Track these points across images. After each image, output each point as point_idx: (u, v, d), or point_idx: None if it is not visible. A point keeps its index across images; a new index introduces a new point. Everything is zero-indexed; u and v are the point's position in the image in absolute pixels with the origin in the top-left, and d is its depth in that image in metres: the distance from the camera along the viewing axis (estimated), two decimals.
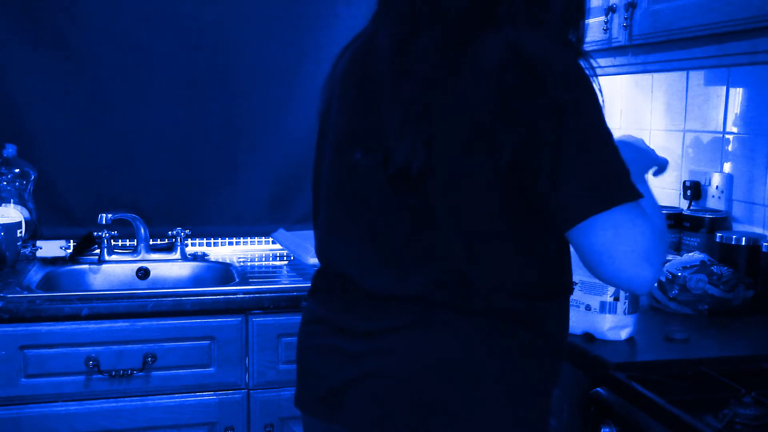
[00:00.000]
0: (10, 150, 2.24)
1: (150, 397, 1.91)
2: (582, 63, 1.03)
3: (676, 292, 1.72)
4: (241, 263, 2.36)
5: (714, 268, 1.74)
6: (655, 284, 1.75)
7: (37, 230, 2.31)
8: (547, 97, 0.97)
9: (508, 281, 1.05)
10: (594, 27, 1.88)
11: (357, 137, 1.12)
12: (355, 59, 1.16)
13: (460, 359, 1.05)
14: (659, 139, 2.25)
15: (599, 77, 1.05)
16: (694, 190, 2.06)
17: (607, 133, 1.01)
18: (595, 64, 1.05)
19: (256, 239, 2.56)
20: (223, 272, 2.31)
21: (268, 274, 2.25)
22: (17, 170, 2.25)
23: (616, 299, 1.48)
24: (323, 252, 1.21)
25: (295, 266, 2.32)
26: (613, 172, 0.99)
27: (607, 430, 1.30)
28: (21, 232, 2.17)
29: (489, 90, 0.98)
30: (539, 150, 0.97)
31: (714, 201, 2.02)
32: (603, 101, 1.02)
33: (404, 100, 1.03)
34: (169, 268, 2.34)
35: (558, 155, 0.97)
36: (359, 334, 1.10)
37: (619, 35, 1.79)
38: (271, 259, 2.45)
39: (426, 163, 1.01)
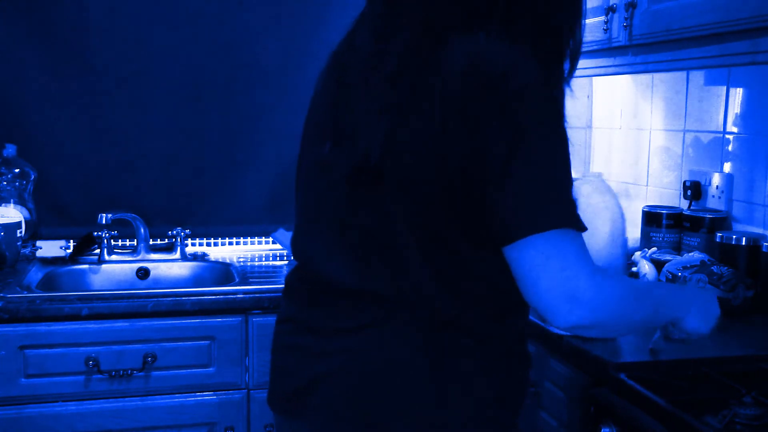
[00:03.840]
0: (10, 150, 2.24)
1: (150, 397, 1.91)
2: (555, 82, 1.02)
3: None
4: (241, 263, 2.36)
5: (714, 268, 1.74)
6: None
7: (37, 230, 2.31)
8: (502, 114, 0.95)
9: (463, 293, 1.04)
10: (594, 27, 1.88)
11: (329, 130, 1.12)
12: (338, 55, 1.16)
13: (419, 361, 1.04)
14: (659, 139, 2.25)
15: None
16: (694, 190, 2.06)
17: (561, 160, 0.99)
18: (567, 89, 1.03)
19: (256, 239, 2.56)
20: (223, 272, 2.31)
21: (268, 274, 2.25)
22: (17, 170, 2.25)
23: None
24: (296, 245, 1.21)
25: None
26: (556, 198, 0.98)
27: (607, 430, 1.30)
28: (21, 232, 2.17)
29: (447, 100, 0.97)
30: (487, 166, 0.96)
31: (714, 201, 2.01)
32: (567, 127, 1.00)
33: (370, 96, 1.04)
34: (169, 268, 2.34)
35: (505, 174, 0.95)
36: (324, 332, 1.10)
37: (619, 35, 1.79)
38: (271, 259, 2.45)
39: (383, 160, 1.00)
